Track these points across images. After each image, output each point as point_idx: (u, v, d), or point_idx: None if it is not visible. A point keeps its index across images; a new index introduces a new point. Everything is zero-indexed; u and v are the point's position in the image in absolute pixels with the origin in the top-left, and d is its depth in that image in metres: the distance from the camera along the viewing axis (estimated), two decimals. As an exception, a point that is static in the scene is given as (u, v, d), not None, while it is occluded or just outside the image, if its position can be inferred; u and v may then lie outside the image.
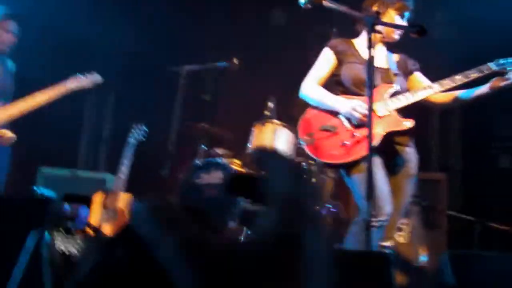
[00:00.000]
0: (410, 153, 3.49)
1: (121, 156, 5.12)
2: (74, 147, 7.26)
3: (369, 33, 2.56)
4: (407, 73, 3.64)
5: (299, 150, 5.38)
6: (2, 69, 4.47)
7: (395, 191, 3.38)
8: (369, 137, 2.49)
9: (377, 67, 3.43)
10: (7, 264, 2.08)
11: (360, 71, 3.45)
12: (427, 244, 4.56)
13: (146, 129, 5.20)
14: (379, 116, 3.37)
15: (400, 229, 4.52)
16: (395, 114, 3.40)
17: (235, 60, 5.48)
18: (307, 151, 3.50)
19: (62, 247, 2.98)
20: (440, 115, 6.30)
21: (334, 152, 3.38)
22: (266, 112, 5.29)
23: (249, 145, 5.37)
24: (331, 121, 3.48)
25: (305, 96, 3.65)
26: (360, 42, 3.62)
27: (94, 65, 6.61)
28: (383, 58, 3.58)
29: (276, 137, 5.21)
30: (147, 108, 4.92)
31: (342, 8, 2.93)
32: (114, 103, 7.05)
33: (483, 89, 3.32)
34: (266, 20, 6.61)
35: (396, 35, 3.52)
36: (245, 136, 5.45)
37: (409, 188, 3.48)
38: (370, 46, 2.53)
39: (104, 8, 6.29)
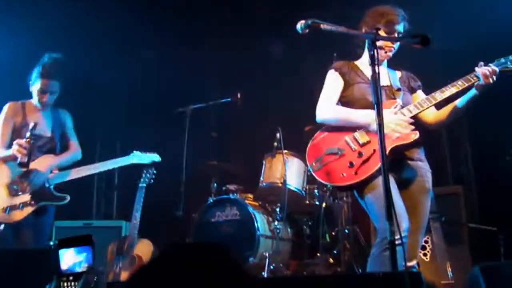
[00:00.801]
0: (422, 167, 3.43)
1: (133, 201, 5.09)
2: (87, 198, 7.25)
3: (370, 50, 2.55)
4: (410, 90, 3.63)
5: (310, 178, 5.39)
6: (47, 123, 4.43)
7: (412, 208, 3.28)
8: (382, 151, 2.45)
9: (380, 85, 3.41)
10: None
11: (366, 90, 3.44)
12: (451, 259, 4.48)
13: (155, 172, 5.18)
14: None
15: (423, 247, 4.45)
16: None
17: (238, 95, 5.51)
18: (317, 177, 3.43)
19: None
20: (448, 127, 6.27)
21: (343, 174, 3.32)
22: (275, 143, 5.27)
23: (261, 178, 5.36)
24: (338, 143, 3.44)
25: (326, 119, 3.54)
26: (363, 63, 3.63)
27: (101, 107, 6.71)
28: (384, 75, 3.57)
29: (286, 167, 5.21)
30: (155, 150, 4.90)
31: (341, 29, 2.92)
32: (120, 148, 7.05)
33: (473, 91, 3.30)
34: (265, 53, 6.64)
35: (388, 52, 3.51)
36: (256, 169, 5.45)
37: (426, 204, 3.39)
38: (374, 62, 2.51)
39: (107, 50, 6.37)
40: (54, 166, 4.33)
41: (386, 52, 3.51)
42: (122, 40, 6.60)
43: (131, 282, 1.17)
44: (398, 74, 3.66)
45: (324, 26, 2.97)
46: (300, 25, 3.07)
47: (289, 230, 5.35)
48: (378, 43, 2.75)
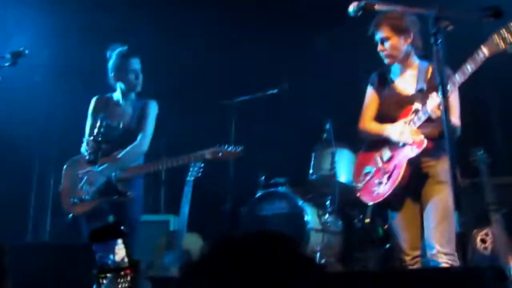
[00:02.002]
0: (434, 165, 3.31)
1: (181, 195, 5.06)
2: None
3: (433, 28, 2.40)
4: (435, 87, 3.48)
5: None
6: (127, 111, 4.36)
7: (428, 200, 3.27)
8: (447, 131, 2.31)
9: (400, 95, 3.47)
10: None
11: (391, 105, 3.48)
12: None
13: (202, 165, 5.12)
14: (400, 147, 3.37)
15: (483, 241, 4.25)
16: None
17: (285, 86, 5.41)
18: (359, 196, 3.57)
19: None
20: (501, 113, 6.01)
21: (375, 192, 3.45)
22: (324, 134, 5.15)
23: (311, 170, 5.25)
24: (371, 162, 3.55)
25: (362, 137, 3.68)
26: (395, 69, 3.57)
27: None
28: (409, 78, 3.48)
29: (336, 159, 5.08)
30: (202, 143, 4.84)
31: (398, 8, 2.79)
32: (166, 143, 7.04)
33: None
34: (313, 41, 6.51)
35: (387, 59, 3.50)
36: (305, 161, 5.34)
37: (439, 195, 3.24)
38: (437, 41, 2.35)
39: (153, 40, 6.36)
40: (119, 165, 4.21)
41: (386, 58, 3.50)
42: (169, 29, 6.57)
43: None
44: (430, 69, 3.46)
45: (379, 6, 2.84)
46: (352, 7, 2.95)
47: (339, 223, 5.22)
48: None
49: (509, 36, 2.73)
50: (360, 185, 3.57)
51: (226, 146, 4.31)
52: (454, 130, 3.22)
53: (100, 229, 1.53)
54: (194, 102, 6.65)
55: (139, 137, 4.27)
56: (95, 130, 4.01)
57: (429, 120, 3.19)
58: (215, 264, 1.04)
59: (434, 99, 3.11)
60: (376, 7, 2.83)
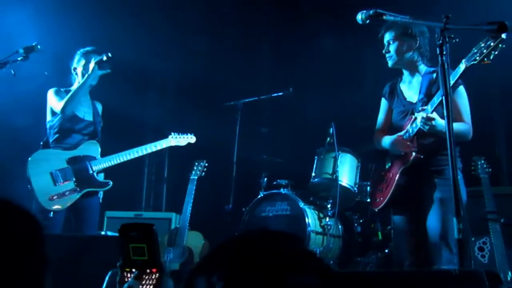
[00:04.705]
0: (435, 175, 3.37)
1: (183, 194, 5.10)
2: (136, 191, 7.33)
3: (439, 40, 2.45)
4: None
5: (363, 174, 5.29)
6: (93, 112, 4.54)
7: (428, 209, 3.33)
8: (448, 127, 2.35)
9: (405, 103, 3.56)
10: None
11: (399, 115, 3.56)
12: (510, 263, 4.29)
13: (206, 165, 5.17)
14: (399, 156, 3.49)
15: (481, 249, 4.30)
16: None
17: (289, 89, 5.47)
18: (371, 203, 3.84)
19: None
20: (506, 124, 6.06)
21: (377, 199, 3.64)
22: (328, 138, 5.19)
23: (313, 173, 5.29)
24: (378, 170, 3.76)
25: (379, 147, 3.73)
26: (404, 80, 3.66)
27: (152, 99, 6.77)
28: (415, 89, 3.54)
29: (339, 163, 5.13)
30: (206, 143, 4.90)
31: (406, 18, 2.84)
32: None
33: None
34: (318, 47, 6.56)
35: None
36: (308, 164, 5.38)
37: (438, 197, 3.30)
38: (442, 52, 2.41)
39: (159, 41, 6.42)
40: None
41: (389, 60, 3.59)
42: (175, 30, 6.63)
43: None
44: (434, 75, 3.51)
45: (388, 16, 2.89)
46: (361, 15, 3.00)
47: (340, 227, 5.26)
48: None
49: None
50: (370, 190, 3.89)
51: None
52: (462, 135, 3.28)
53: (131, 225, 1.56)
54: (199, 103, 6.71)
55: None
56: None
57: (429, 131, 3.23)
58: (219, 261, 1.08)
59: (426, 110, 3.18)
60: (385, 16, 2.88)
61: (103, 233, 5.35)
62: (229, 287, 0.99)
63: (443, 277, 1.86)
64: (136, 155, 4.56)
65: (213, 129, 5.98)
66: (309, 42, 6.56)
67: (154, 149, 4.66)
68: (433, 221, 3.29)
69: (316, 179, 5.24)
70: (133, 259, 1.54)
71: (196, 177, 5.10)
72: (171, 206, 6.59)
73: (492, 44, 2.70)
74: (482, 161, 4.46)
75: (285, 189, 5.34)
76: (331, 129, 5.17)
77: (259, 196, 5.36)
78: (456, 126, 3.24)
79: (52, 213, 4.14)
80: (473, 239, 4.35)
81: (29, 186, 4.19)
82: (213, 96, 6.30)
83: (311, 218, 4.99)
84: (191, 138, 4.96)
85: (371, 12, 2.95)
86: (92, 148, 4.44)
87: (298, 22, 6.59)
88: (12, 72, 3.90)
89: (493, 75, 5.62)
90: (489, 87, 5.92)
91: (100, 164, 4.41)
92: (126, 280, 1.54)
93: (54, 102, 4.35)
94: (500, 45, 2.69)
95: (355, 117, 5.75)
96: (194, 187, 5.08)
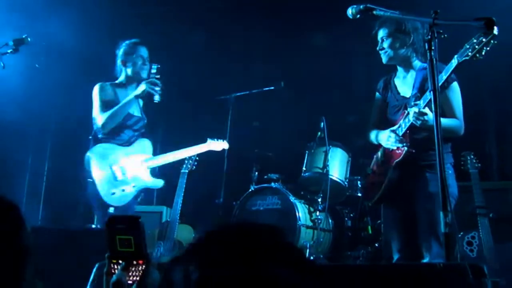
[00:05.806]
0: (426, 170, 3.39)
1: (174, 188, 5.09)
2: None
3: (428, 34, 2.46)
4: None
5: (353, 169, 5.32)
6: (139, 108, 4.49)
7: (418, 204, 3.37)
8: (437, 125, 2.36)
9: (398, 98, 3.58)
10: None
11: (392, 109, 3.59)
12: (498, 257, 4.33)
13: (197, 158, 5.17)
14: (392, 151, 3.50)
15: (469, 243, 4.33)
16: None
17: (280, 83, 5.47)
18: (363, 196, 3.99)
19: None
20: (496, 121, 6.10)
21: (370, 193, 3.67)
22: (318, 133, 5.20)
23: (303, 168, 5.30)
24: (372, 163, 3.77)
25: (371, 141, 3.75)
26: (397, 75, 3.68)
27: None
28: (408, 85, 3.56)
29: (329, 157, 5.14)
30: (197, 137, 4.88)
31: (396, 14, 2.84)
32: (162, 135, 7.08)
33: None
34: (309, 41, 6.55)
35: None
36: (298, 158, 5.39)
37: (429, 191, 3.32)
38: (431, 47, 2.42)
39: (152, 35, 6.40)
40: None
41: (383, 56, 3.59)
42: (167, 25, 6.61)
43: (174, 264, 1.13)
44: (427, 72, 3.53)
45: (378, 11, 2.90)
46: (351, 10, 3.00)
47: (330, 221, 5.28)
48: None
49: None
50: (363, 182, 3.99)
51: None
52: (454, 131, 3.30)
53: (118, 217, 1.57)
54: (191, 96, 6.70)
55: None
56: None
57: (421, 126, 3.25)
58: (197, 252, 1.09)
59: (418, 106, 3.20)
60: (375, 11, 2.89)
61: (93, 226, 5.34)
62: (205, 277, 0.99)
63: (428, 271, 1.88)
64: (182, 157, 4.68)
65: (204, 123, 5.98)
66: (301, 37, 6.55)
67: (194, 152, 4.77)
68: (423, 215, 3.31)
69: (306, 173, 5.26)
70: (119, 251, 1.55)
71: (187, 171, 5.09)
72: (162, 200, 6.58)
73: (484, 40, 2.70)
74: (472, 156, 4.48)
75: (276, 183, 5.36)
76: (322, 124, 5.19)
77: (250, 190, 5.38)
78: (448, 122, 3.27)
79: (112, 209, 4.05)
80: (461, 233, 4.37)
81: (89, 179, 4.08)
82: (205, 90, 6.29)
83: (301, 212, 5.01)
84: (225, 144, 4.94)
85: (361, 7, 2.96)
86: (146, 146, 4.44)
87: (289, 17, 6.58)
88: (2, 64, 3.87)
89: (484, 72, 5.64)
90: (479, 84, 5.94)
91: (153, 162, 4.41)
92: (113, 271, 1.55)
93: (96, 108, 4.25)
94: (492, 41, 2.70)
95: (345, 111, 5.77)
96: (185, 181, 5.08)
